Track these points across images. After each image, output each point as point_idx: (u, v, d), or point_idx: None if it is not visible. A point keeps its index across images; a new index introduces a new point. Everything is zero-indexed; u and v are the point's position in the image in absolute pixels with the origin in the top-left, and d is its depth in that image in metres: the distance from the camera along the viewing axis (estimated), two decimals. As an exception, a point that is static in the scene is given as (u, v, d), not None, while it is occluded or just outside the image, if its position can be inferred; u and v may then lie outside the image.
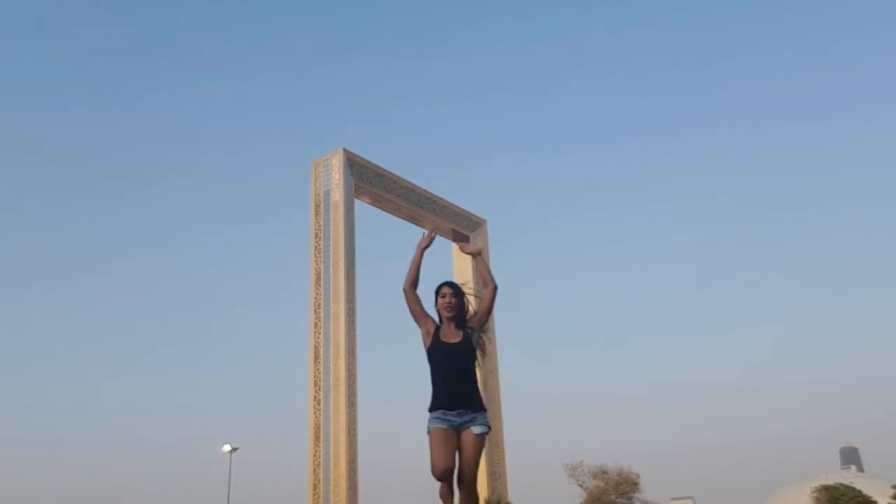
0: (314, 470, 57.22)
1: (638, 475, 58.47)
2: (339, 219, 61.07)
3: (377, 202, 66.25)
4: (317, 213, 62.34)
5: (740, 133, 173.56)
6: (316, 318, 60.21)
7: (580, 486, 58.45)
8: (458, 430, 5.15)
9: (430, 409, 5.23)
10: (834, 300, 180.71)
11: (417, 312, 5.44)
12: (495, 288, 5.46)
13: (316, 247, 61.62)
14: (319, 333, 59.88)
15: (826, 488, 65.80)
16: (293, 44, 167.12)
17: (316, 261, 61.41)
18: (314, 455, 57.51)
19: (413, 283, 5.51)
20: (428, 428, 5.20)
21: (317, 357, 59.58)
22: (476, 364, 5.40)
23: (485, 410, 5.26)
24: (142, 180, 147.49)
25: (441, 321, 5.47)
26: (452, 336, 5.35)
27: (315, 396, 58.61)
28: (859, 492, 64.16)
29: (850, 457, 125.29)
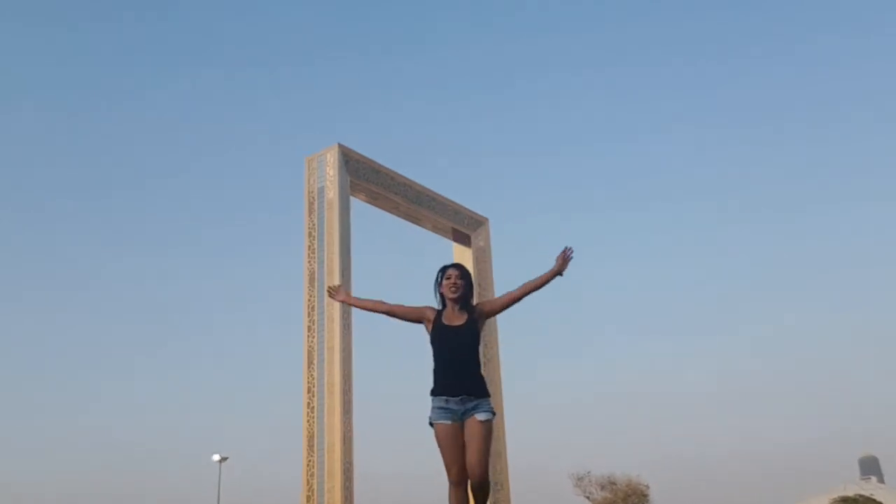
0: (308, 480, 54.80)
1: (647, 486, 56.33)
2: (333, 217, 58.86)
3: (373, 199, 64.01)
4: (310, 212, 60.15)
5: (752, 130, 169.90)
6: (310, 321, 57.91)
7: (587, 497, 55.98)
8: (461, 419, 5.03)
9: (432, 394, 5.11)
10: (851, 299, 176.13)
11: (408, 313, 5.33)
12: (518, 299, 5.18)
13: (310, 246, 59.38)
14: (313, 337, 57.56)
15: (844, 500, 63.66)
16: (288, 35, 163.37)
17: (310, 261, 59.17)
18: (308, 464, 55.15)
19: (382, 310, 5.48)
20: (430, 419, 5.08)
21: (310, 361, 57.25)
22: (479, 348, 5.22)
23: (489, 396, 5.10)
24: (125, 176, 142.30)
25: (444, 304, 5.27)
26: (456, 319, 5.16)
27: (309, 403, 56.26)
28: (879, 503, 61.94)
29: (870, 467, 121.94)
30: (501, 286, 75.00)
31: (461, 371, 5.09)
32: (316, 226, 59.06)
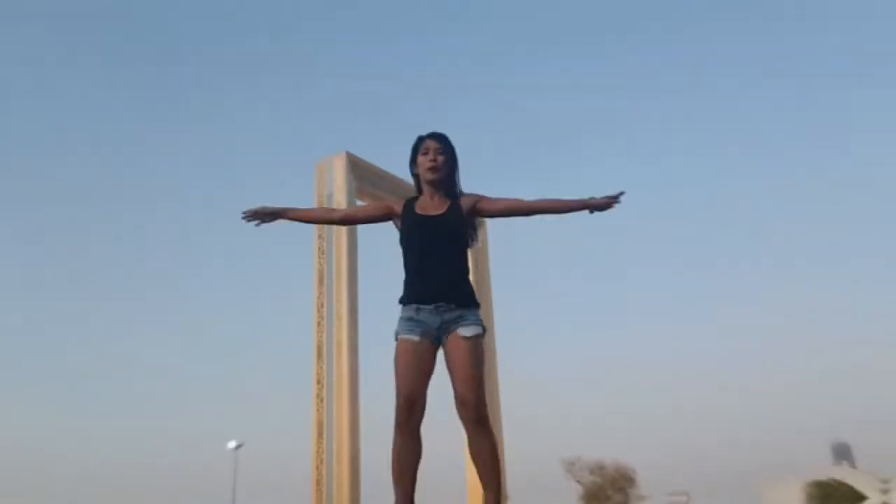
0: (317, 466, 58.09)
1: (634, 471, 59.31)
2: (341, 220, 61.59)
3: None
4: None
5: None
6: (319, 318, 61.21)
7: (577, 481, 59.47)
8: (437, 335, 3.76)
9: (401, 302, 3.86)
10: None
11: (371, 212, 4.02)
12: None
13: (319, 247, 62.54)
14: (322, 332, 60.82)
15: (818, 484, 66.00)
16: (300, 44, 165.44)
17: (319, 261, 62.40)
18: (318, 451, 58.37)
19: (336, 217, 4.62)
20: (396, 332, 3.81)
21: (320, 355, 60.59)
22: (467, 246, 3.93)
23: (477, 305, 3.81)
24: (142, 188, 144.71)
25: (420, 190, 3.95)
26: (434, 207, 3.85)
27: (318, 394, 59.57)
28: (851, 487, 64.47)
29: (842, 453, 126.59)
30: (500, 289, 78.08)
31: (438, 272, 3.79)
32: (325, 228, 62.13)
